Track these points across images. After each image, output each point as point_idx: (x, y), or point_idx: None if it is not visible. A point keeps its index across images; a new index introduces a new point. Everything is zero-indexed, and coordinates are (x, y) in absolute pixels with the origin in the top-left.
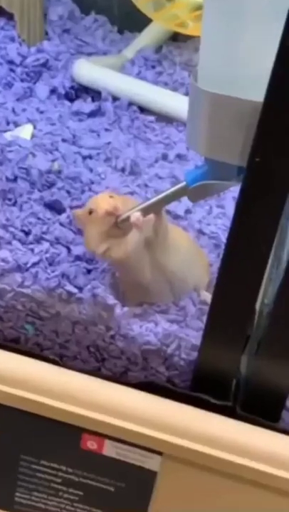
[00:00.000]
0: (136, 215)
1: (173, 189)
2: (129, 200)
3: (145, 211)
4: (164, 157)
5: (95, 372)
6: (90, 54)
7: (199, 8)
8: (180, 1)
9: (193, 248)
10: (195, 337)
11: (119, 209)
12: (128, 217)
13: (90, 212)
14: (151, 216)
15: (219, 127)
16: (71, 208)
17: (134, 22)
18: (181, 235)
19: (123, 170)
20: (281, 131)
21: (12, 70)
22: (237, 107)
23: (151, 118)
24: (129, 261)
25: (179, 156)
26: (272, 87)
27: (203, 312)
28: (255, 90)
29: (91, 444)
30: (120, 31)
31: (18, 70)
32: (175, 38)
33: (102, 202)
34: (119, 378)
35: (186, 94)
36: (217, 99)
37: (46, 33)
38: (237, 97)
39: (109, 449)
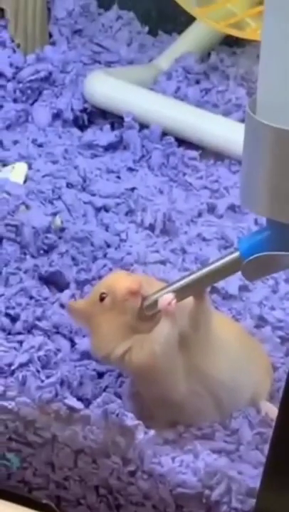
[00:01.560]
0: (166, 298)
1: (221, 262)
2: (154, 282)
3: (180, 293)
4: (211, 209)
5: None
6: (109, 64)
7: (263, 2)
8: None
9: (248, 345)
10: (252, 476)
11: (144, 288)
12: (156, 302)
13: (102, 298)
14: (190, 300)
15: (288, 177)
16: (78, 283)
17: (171, 20)
18: (232, 328)
19: (152, 228)
20: None
21: (1, 86)
22: None
23: (194, 153)
24: (156, 367)
25: (232, 209)
26: None
27: (265, 438)
28: None
29: None
30: (152, 32)
31: (10, 86)
32: (229, 42)
33: (120, 280)
34: None
35: (244, 120)
36: (285, 137)
37: (50, 36)
38: None
39: None
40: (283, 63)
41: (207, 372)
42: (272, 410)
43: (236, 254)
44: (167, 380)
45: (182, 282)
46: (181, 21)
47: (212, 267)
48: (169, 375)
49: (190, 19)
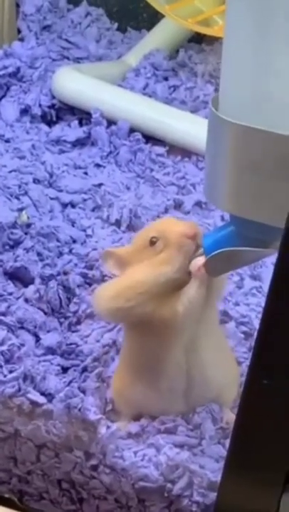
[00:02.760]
0: (197, 261)
1: None
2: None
3: None
4: (178, 205)
5: None
6: (78, 60)
7: None
8: None
9: (225, 345)
10: (214, 470)
11: (199, 235)
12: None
13: (152, 242)
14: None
15: (250, 173)
16: (43, 278)
17: (139, 17)
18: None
19: (118, 224)
20: None
21: None
22: (276, 146)
23: (161, 150)
24: (171, 326)
25: (198, 205)
26: None
27: (227, 433)
28: None
29: None
30: (121, 29)
31: None
32: (197, 39)
33: (174, 225)
34: None
35: None
36: (247, 133)
37: (18, 31)
38: (276, 133)
39: None
40: (244, 61)
41: (197, 350)
42: (232, 421)
43: (200, 250)
44: (169, 340)
45: None
46: (149, 18)
47: None
48: (175, 336)
49: (158, 16)
